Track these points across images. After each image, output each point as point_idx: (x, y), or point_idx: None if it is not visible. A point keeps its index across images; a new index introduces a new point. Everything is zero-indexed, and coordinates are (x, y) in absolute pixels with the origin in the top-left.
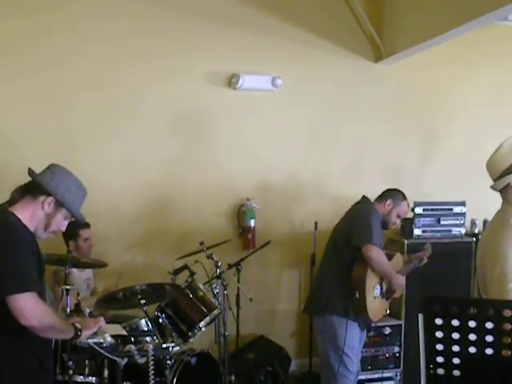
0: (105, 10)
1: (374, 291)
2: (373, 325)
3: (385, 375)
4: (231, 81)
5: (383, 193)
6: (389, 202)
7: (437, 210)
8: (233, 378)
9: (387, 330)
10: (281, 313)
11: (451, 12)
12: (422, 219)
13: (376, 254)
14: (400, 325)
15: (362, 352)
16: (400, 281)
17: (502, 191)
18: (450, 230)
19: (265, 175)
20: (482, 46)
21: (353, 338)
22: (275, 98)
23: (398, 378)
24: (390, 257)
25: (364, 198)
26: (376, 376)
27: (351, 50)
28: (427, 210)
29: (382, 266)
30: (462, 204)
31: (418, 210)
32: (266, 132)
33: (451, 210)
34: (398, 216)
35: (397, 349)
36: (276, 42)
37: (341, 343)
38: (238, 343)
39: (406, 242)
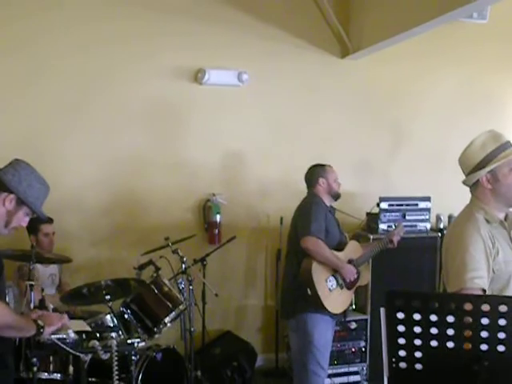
0: (71, 2)
1: (327, 284)
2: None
3: (351, 369)
4: (197, 76)
5: (308, 178)
6: (321, 180)
7: (402, 205)
8: (199, 373)
9: (353, 325)
10: (247, 308)
11: (417, 9)
12: (388, 214)
13: (312, 244)
14: (366, 319)
15: None
16: (347, 270)
17: (473, 186)
18: (416, 225)
19: (231, 170)
20: (447, 42)
21: (325, 333)
22: (241, 93)
23: (365, 372)
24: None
25: (308, 191)
26: (342, 370)
27: (318, 45)
28: (392, 205)
29: (322, 256)
30: (428, 199)
31: (384, 205)
32: (232, 127)
33: (416, 205)
34: (335, 181)
35: (363, 343)
36: (243, 37)
37: (313, 340)
38: (204, 339)
39: (371, 237)
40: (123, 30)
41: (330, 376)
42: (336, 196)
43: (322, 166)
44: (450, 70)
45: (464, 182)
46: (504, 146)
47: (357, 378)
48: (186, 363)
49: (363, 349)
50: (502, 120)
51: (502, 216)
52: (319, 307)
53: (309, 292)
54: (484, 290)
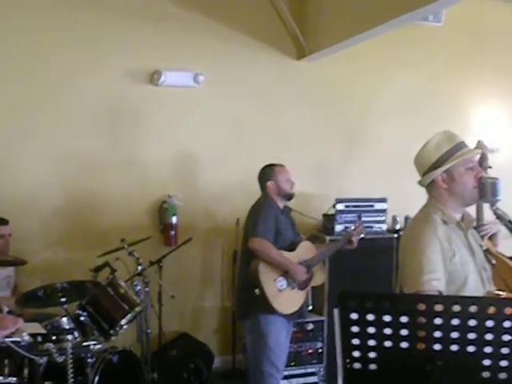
0: (25, 4)
1: (276, 284)
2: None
3: (308, 371)
4: (153, 77)
5: (259, 181)
6: (269, 182)
7: (358, 206)
8: (155, 375)
9: (310, 326)
10: (204, 310)
11: (373, 11)
12: (344, 215)
13: (259, 245)
14: (322, 321)
15: None
16: (296, 270)
17: (428, 186)
18: (372, 227)
19: (187, 172)
20: (404, 45)
21: (278, 334)
22: (197, 95)
23: (321, 373)
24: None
25: (262, 192)
26: (299, 372)
27: (274, 47)
28: (349, 206)
29: (269, 257)
30: (383, 201)
31: (340, 207)
32: (189, 129)
33: (372, 206)
34: (287, 181)
35: (319, 344)
36: (199, 38)
37: (267, 341)
38: (160, 340)
39: (327, 238)
40: (79, 31)
41: (286, 377)
42: (287, 196)
43: (272, 167)
44: (405, 71)
45: (419, 183)
46: (459, 146)
47: (314, 379)
48: (143, 365)
49: (320, 350)
50: (456, 121)
51: (458, 216)
52: (269, 308)
53: (256, 292)
54: (441, 292)
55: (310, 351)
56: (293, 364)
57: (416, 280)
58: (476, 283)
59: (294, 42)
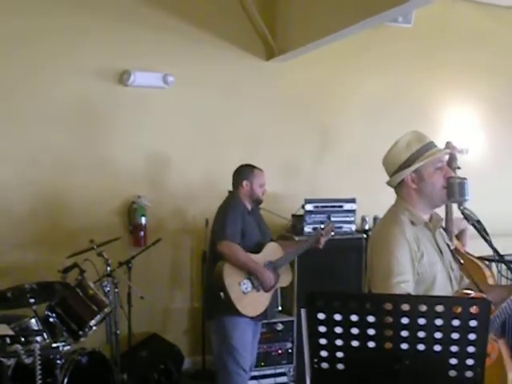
0: None
1: (240, 287)
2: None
3: (278, 371)
4: (122, 77)
5: (233, 178)
6: (245, 182)
7: (327, 206)
8: (125, 376)
9: (279, 327)
10: (173, 311)
11: (342, 12)
12: (313, 216)
13: (228, 249)
14: (292, 321)
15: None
16: (265, 275)
17: (397, 187)
18: (341, 227)
19: (157, 172)
20: (373, 46)
21: (244, 334)
22: (167, 95)
23: (292, 373)
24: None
25: (228, 192)
26: (269, 372)
27: (243, 47)
28: (318, 207)
29: (238, 261)
30: (352, 201)
31: (309, 207)
32: (158, 129)
33: (341, 206)
34: (261, 186)
35: (289, 345)
36: (168, 39)
37: (232, 341)
38: (130, 341)
39: (296, 238)
40: (46, 28)
41: (256, 378)
42: (257, 201)
43: (252, 168)
44: (375, 72)
45: (388, 183)
46: (428, 146)
47: (284, 379)
48: (112, 366)
49: (290, 350)
50: (425, 122)
51: (426, 217)
52: (233, 310)
53: (221, 295)
54: (409, 295)
55: (280, 351)
56: (263, 364)
57: (385, 283)
58: (444, 283)
59: (263, 43)
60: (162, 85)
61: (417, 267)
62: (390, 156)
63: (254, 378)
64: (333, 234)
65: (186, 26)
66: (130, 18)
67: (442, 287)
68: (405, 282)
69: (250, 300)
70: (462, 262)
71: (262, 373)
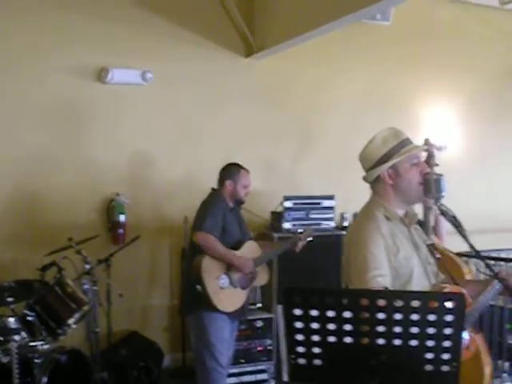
0: None
1: (218, 281)
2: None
3: (258, 368)
4: (101, 74)
5: (219, 175)
6: (228, 181)
7: (306, 203)
8: (105, 374)
9: (259, 323)
10: (153, 308)
11: (320, 9)
12: (292, 213)
13: (204, 239)
14: (271, 318)
15: (235, 345)
16: (241, 262)
17: (373, 182)
18: (320, 224)
19: (135, 170)
20: (352, 43)
21: (221, 330)
22: (146, 93)
23: (271, 370)
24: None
25: (211, 189)
26: (249, 369)
27: (222, 44)
28: (297, 203)
29: (214, 251)
30: (331, 198)
31: (288, 204)
32: (137, 126)
33: (320, 203)
34: (245, 187)
35: (269, 341)
36: (147, 36)
37: (209, 337)
38: (109, 339)
39: (275, 235)
40: (23, 26)
41: (236, 375)
42: (238, 202)
43: (238, 168)
44: (354, 69)
45: (364, 179)
46: (405, 142)
47: (264, 376)
48: (92, 365)
49: (269, 347)
50: (404, 119)
51: (401, 213)
52: (210, 305)
53: (198, 289)
54: (386, 288)
55: (260, 348)
56: (243, 361)
57: (361, 277)
58: (421, 277)
59: (242, 40)
60: (140, 82)
61: (393, 262)
62: (366, 152)
63: (233, 375)
64: (311, 239)
65: (165, 23)
66: (108, 16)
67: (419, 282)
68: (381, 276)
69: (226, 295)
70: (438, 256)
71: (241, 370)
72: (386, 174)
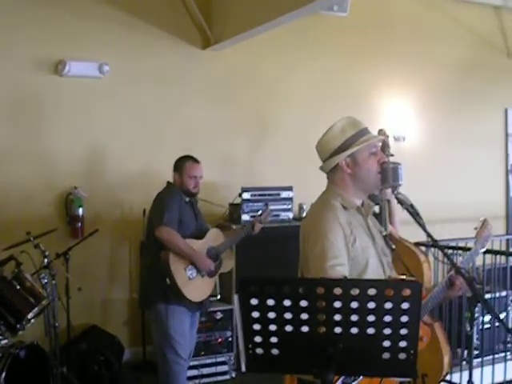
0: None
1: (186, 272)
2: (208, 308)
3: (218, 360)
4: (58, 67)
5: (173, 167)
6: (176, 175)
7: (264, 195)
8: (65, 369)
9: (219, 315)
10: (112, 302)
11: (278, 0)
12: (250, 204)
13: (166, 234)
14: (231, 309)
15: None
16: (201, 260)
17: (330, 172)
18: (278, 215)
19: (93, 163)
20: (310, 34)
21: (181, 323)
22: (103, 85)
23: (232, 361)
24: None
25: (167, 183)
26: (210, 361)
27: (179, 36)
28: (255, 195)
29: (175, 246)
30: (290, 189)
31: (246, 196)
32: (95, 119)
33: (279, 194)
34: (191, 177)
35: (229, 333)
36: (104, 28)
37: (169, 330)
38: (69, 334)
39: (234, 227)
40: None
41: (197, 367)
42: (187, 193)
43: (184, 160)
44: (311, 60)
45: (321, 168)
46: (363, 132)
47: (225, 367)
48: (51, 359)
49: (229, 339)
50: (362, 109)
51: (359, 202)
52: (179, 296)
53: (168, 281)
54: (345, 277)
55: (220, 340)
56: (203, 353)
57: (320, 266)
58: (377, 268)
59: (200, 31)
60: (97, 74)
61: (350, 251)
62: (324, 141)
63: (194, 367)
64: (267, 220)
65: (122, 14)
66: (65, 8)
67: (375, 272)
68: (340, 265)
69: (195, 285)
70: (393, 247)
71: (202, 362)
72: (344, 162)
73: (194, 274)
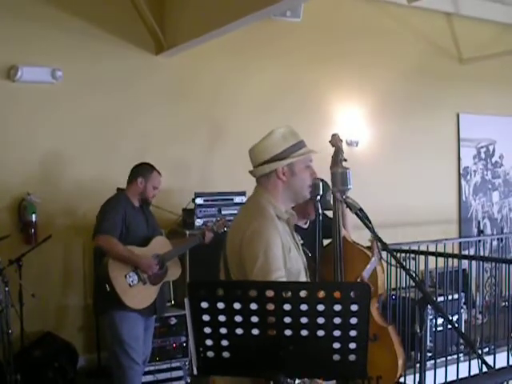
0: None
1: (126, 279)
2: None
3: (173, 365)
4: (10, 72)
5: (131, 172)
6: (140, 179)
7: (218, 200)
8: (19, 377)
9: (173, 321)
10: (67, 308)
11: (230, 6)
12: (204, 209)
13: (103, 242)
14: (185, 314)
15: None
16: (144, 263)
17: (262, 177)
18: (232, 220)
19: (47, 169)
20: (263, 40)
21: (133, 328)
22: (56, 91)
23: (187, 367)
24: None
25: (117, 189)
26: (165, 366)
27: (132, 41)
28: (208, 200)
29: (115, 253)
30: (243, 194)
31: (199, 201)
32: (48, 125)
33: (232, 200)
34: (154, 188)
35: (183, 338)
36: (56, 33)
37: (122, 335)
38: (22, 341)
39: (187, 232)
40: None
41: (152, 372)
42: (145, 201)
43: (151, 169)
44: (265, 66)
45: (252, 172)
46: (302, 143)
47: (179, 373)
48: (5, 367)
49: (184, 344)
50: (316, 115)
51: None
52: (120, 303)
53: (107, 288)
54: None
55: (174, 345)
56: (158, 359)
57: (265, 278)
58: (304, 277)
59: (153, 37)
60: (50, 80)
61: (287, 262)
62: (264, 145)
63: (149, 372)
64: (225, 229)
65: (74, 20)
66: (17, 13)
67: (304, 281)
68: (283, 278)
69: (136, 292)
70: (310, 255)
71: (157, 367)
72: (281, 170)
73: (134, 280)
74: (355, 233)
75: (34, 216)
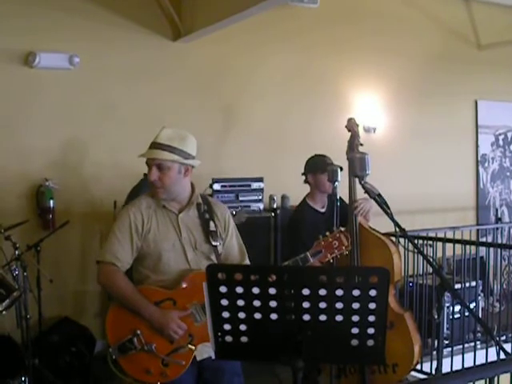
0: None
1: None
2: None
3: None
4: (28, 59)
5: None
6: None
7: (235, 186)
8: (36, 361)
9: None
10: (84, 293)
11: None
12: (221, 195)
13: None
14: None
15: None
16: None
17: (161, 164)
18: (249, 206)
19: (64, 155)
20: (279, 25)
21: None
22: (73, 77)
23: None
24: None
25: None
26: None
27: (149, 28)
28: (225, 186)
29: None
30: (260, 180)
31: (217, 187)
32: (65, 111)
33: (249, 186)
34: None
35: None
36: (74, 19)
37: None
38: (40, 326)
39: None
40: None
41: None
42: None
43: None
44: (281, 52)
45: (156, 154)
46: None
47: None
48: (23, 351)
49: None
50: (333, 100)
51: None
52: None
53: None
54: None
55: None
56: None
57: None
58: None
59: (170, 23)
60: (67, 66)
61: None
62: (190, 138)
63: None
64: (243, 220)
65: (91, 6)
66: (33, 0)
67: (172, 263)
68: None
69: None
70: (214, 244)
71: None
72: (183, 167)
73: None
74: (373, 219)
75: (51, 202)
